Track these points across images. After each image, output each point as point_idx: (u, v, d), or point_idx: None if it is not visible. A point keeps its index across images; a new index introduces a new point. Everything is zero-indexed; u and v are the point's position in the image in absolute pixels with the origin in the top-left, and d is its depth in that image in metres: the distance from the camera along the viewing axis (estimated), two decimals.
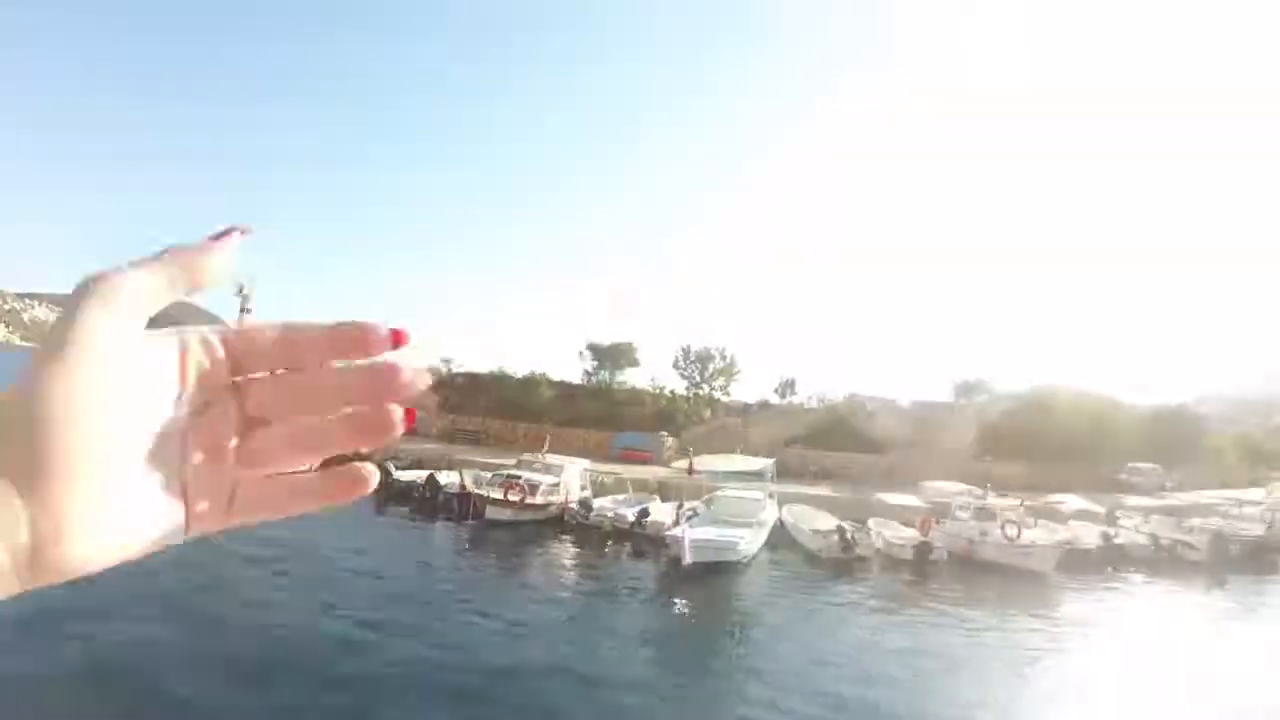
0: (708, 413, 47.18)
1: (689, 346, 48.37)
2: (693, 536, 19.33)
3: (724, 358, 48.21)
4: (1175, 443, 49.56)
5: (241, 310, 73.25)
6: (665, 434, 41.98)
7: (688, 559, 18.90)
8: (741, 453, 40.00)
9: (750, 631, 15.45)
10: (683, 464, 29.07)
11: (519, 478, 25.70)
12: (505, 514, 24.36)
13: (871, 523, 27.03)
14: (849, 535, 24.01)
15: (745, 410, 48.72)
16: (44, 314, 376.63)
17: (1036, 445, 44.11)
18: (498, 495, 24.73)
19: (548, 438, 32.73)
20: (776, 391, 46.04)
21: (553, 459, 28.37)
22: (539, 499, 25.21)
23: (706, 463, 26.78)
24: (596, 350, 51.34)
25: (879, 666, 13.63)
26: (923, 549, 24.97)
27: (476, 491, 25.23)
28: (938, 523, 26.93)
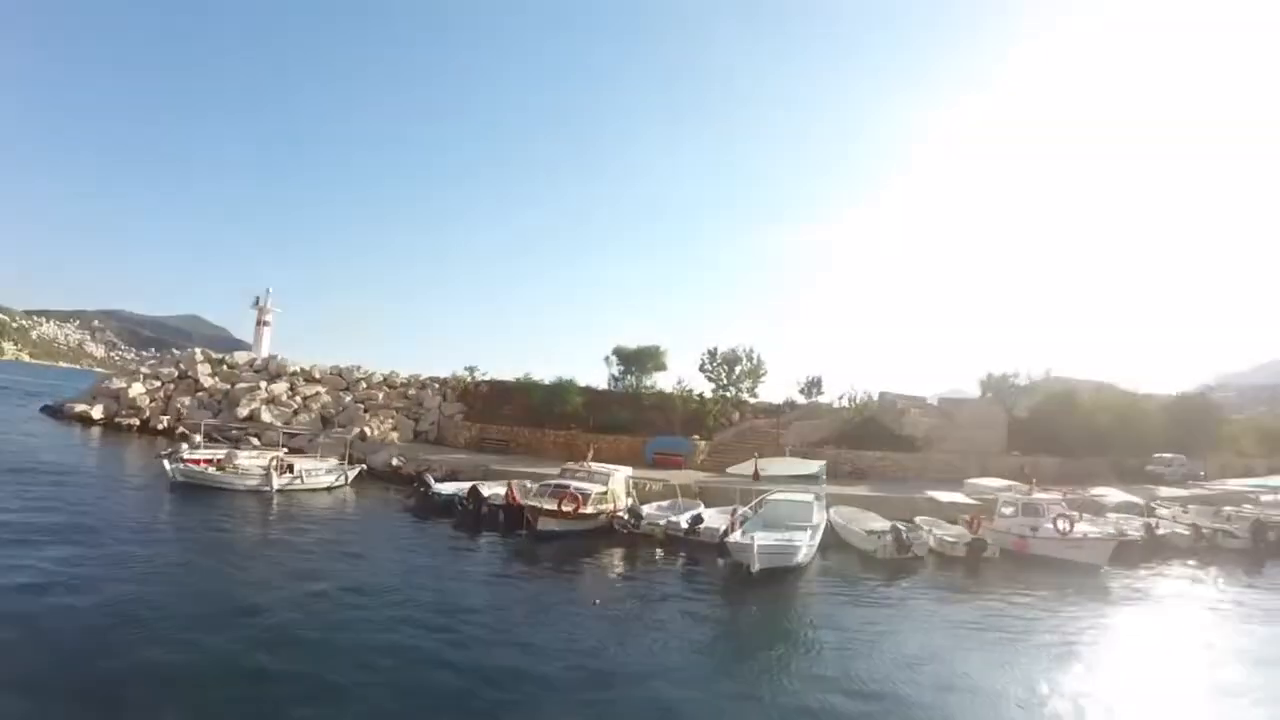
0: (736, 415, 46.97)
1: (715, 348, 47.92)
2: (761, 543, 19.02)
3: (750, 359, 47.70)
4: (1195, 432, 49.49)
5: (259, 323, 73.72)
6: (697, 437, 41.64)
7: (756, 566, 18.59)
8: (775, 454, 40.05)
9: (827, 636, 15.05)
10: (744, 468, 28.60)
11: (567, 487, 24.99)
12: (557, 525, 23.52)
13: (918, 521, 26.81)
14: (904, 535, 23.81)
15: (774, 411, 48.42)
16: (51, 331, 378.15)
17: (1063, 439, 43.98)
18: (551, 506, 23.86)
19: (591, 446, 32.20)
20: (802, 391, 45.66)
21: (597, 467, 27.75)
22: (589, 508, 24.53)
23: (765, 466, 26.34)
24: (623, 354, 50.75)
25: (963, 667, 13.42)
26: (976, 546, 24.78)
27: (529, 503, 24.29)
28: (986, 519, 26.79)
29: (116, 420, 52.12)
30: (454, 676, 11.45)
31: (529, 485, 26.91)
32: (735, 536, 21.10)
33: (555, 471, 28.40)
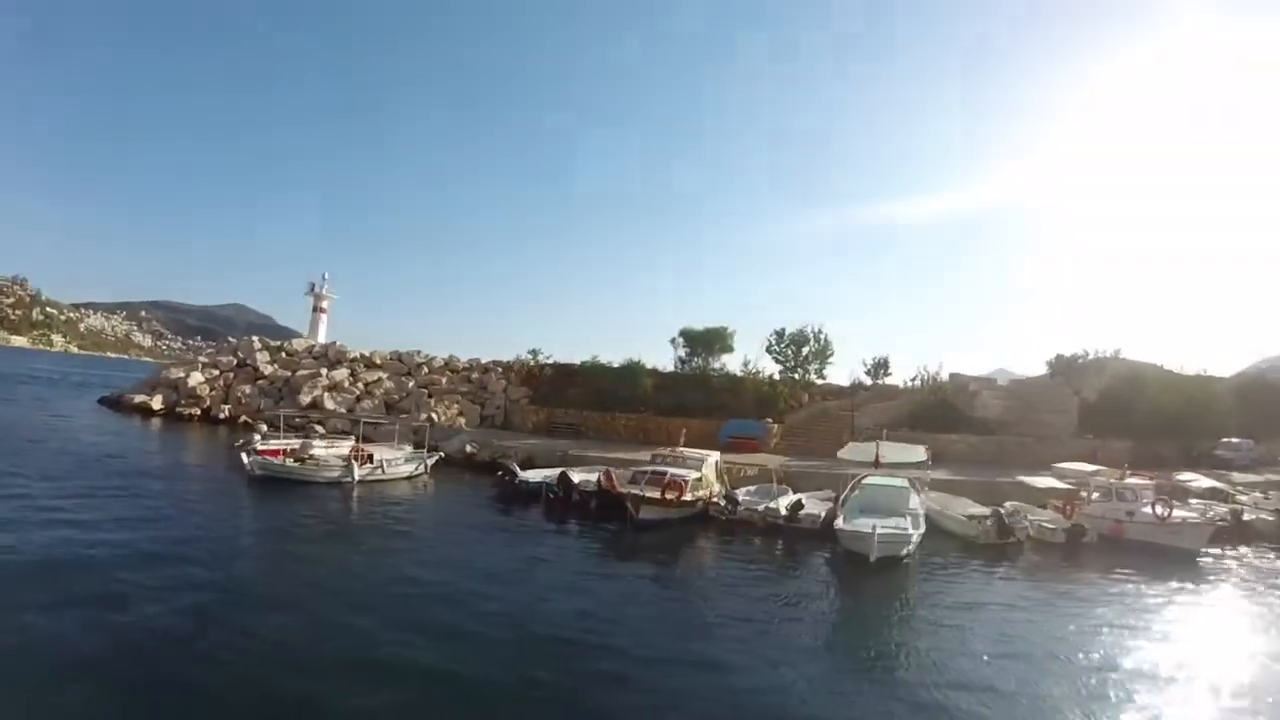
0: (805, 397, 46.61)
1: (783, 329, 47.40)
2: (882, 531, 18.85)
3: (818, 339, 47.18)
4: (1260, 414, 48.32)
5: (315, 309, 74.32)
6: (770, 420, 41.34)
7: (875, 555, 18.45)
8: (850, 437, 39.72)
9: (964, 624, 14.85)
10: (854, 452, 28.22)
11: (664, 474, 24.56)
12: (657, 514, 22.89)
13: (1009, 505, 26.53)
14: (1005, 520, 23.53)
15: (842, 393, 48.03)
16: (99, 323, 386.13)
17: (1132, 422, 43.20)
18: (653, 494, 23.24)
19: (684, 430, 31.97)
20: (868, 373, 45.16)
21: (690, 452, 27.22)
22: (688, 495, 24.07)
23: (884, 452, 26.05)
24: (690, 336, 50.23)
25: (1110, 652, 13.41)
26: (1075, 531, 24.54)
27: (631, 491, 23.64)
28: (1081, 503, 26.50)
29: (177, 410, 52.36)
30: (583, 671, 11.23)
31: (619, 472, 26.43)
32: (843, 523, 20.99)
33: (633, 456, 28.40)
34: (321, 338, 71.01)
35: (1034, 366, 53.43)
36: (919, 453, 26.46)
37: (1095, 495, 26.89)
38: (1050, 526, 24.85)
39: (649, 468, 25.82)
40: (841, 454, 28.79)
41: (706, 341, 49.42)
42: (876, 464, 25.67)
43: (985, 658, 12.67)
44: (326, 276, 75.64)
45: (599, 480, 25.65)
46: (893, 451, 25.91)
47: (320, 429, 39.84)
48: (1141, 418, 43.45)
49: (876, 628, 14.93)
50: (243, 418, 48.24)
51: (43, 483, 22.75)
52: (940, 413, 41.52)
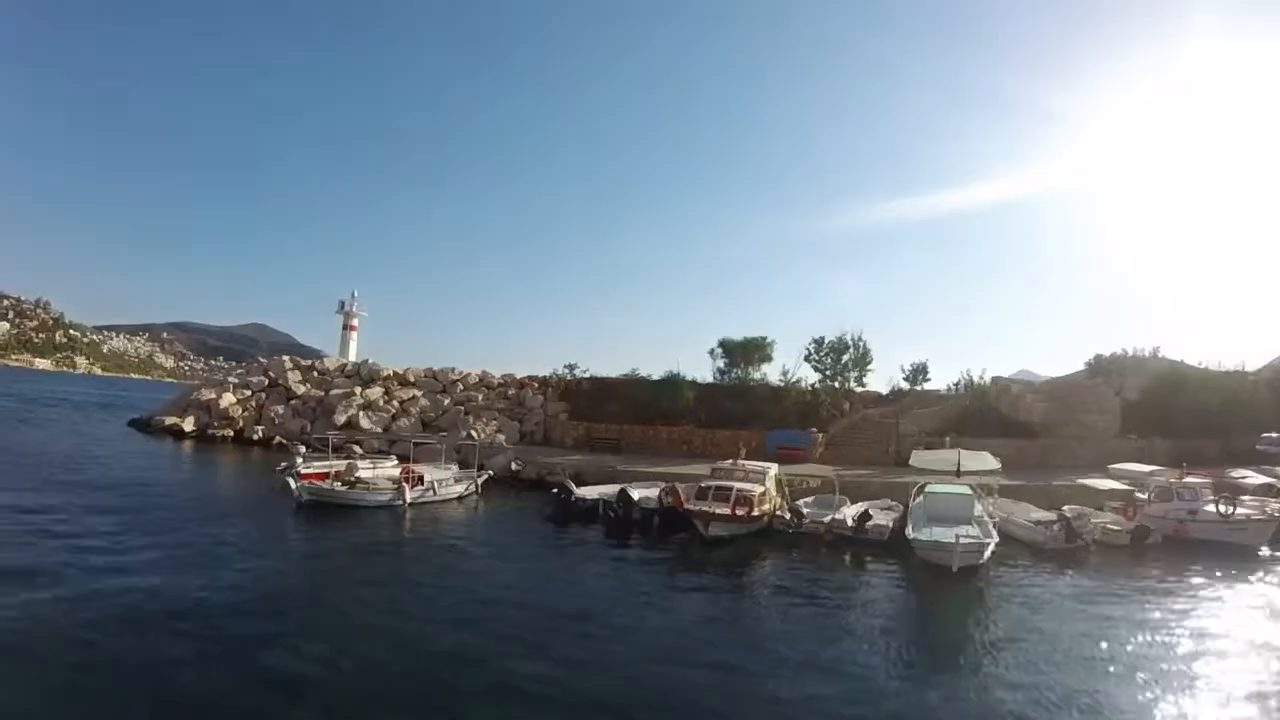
0: (846, 405, 46.49)
1: (822, 337, 47.22)
2: (965, 541, 18.86)
3: (857, 346, 46.98)
4: None
5: (345, 328, 74.62)
6: (815, 429, 41.26)
7: (957, 565, 18.48)
8: (895, 445, 39.65)
9: (1058, 629, 14.88)
10: (929, 459, 27.96)
11: (730, 488, 24.19)
12: (726, 530, 22.59)
13: (1069, 509, 26.45)
14: (1073, 524, 23.47)
15: (882, 400, 47.93)
16: (121, 344, 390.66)
17: (1173, 420, 42.93)
18: (723, 510, 22.95)
19: (743, 445, 31.50)
20: (907, 379, 45.02)
21: (752, 465, 26.91)
22: (755, 510, 23.79)
23: (966, 461, 25.90)
24: (728, 346, 49.98)
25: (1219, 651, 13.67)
26: (1139, 533, 24.53)
27: (700, 507, 23.27)
28: (1140, 506, 26.44)
29: (209, 432, 51.78)
30: (679, 695, 11.14)
31: (679, 487, 25.98)
32: (916, 533, 21.01)
33: (683, 470, 28.15)
34: (353, 356, 70.98)
35: (1057, 367, 53.13)
36: (991, 460, 26.33)
37: (1153, 496, 26.78)
38: (1115, 529, 24.84)
39: (713, 482, 25.31)
40: (913, 461, 28.55)
41: (745, 351, 49.24)
42: (958, 473, 25.49)
43: (1099, 662, 12.88)
44: (356, 294, 75.73)
45: (660, 496, 25.65)
46: (970, 459, 25.78)
47: (358, 449, 38.89)
48: (1182, 416, 43.19)
49: (980, 636, 14.97)
50: (277, 439, 47.70)
51: (89, 517, 22.01)
52: (984, 417, 41.23)
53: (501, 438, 45.48)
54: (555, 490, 28.24)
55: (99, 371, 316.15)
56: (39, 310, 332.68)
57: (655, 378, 49.73)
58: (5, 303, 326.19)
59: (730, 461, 27.91)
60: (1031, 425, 41.32)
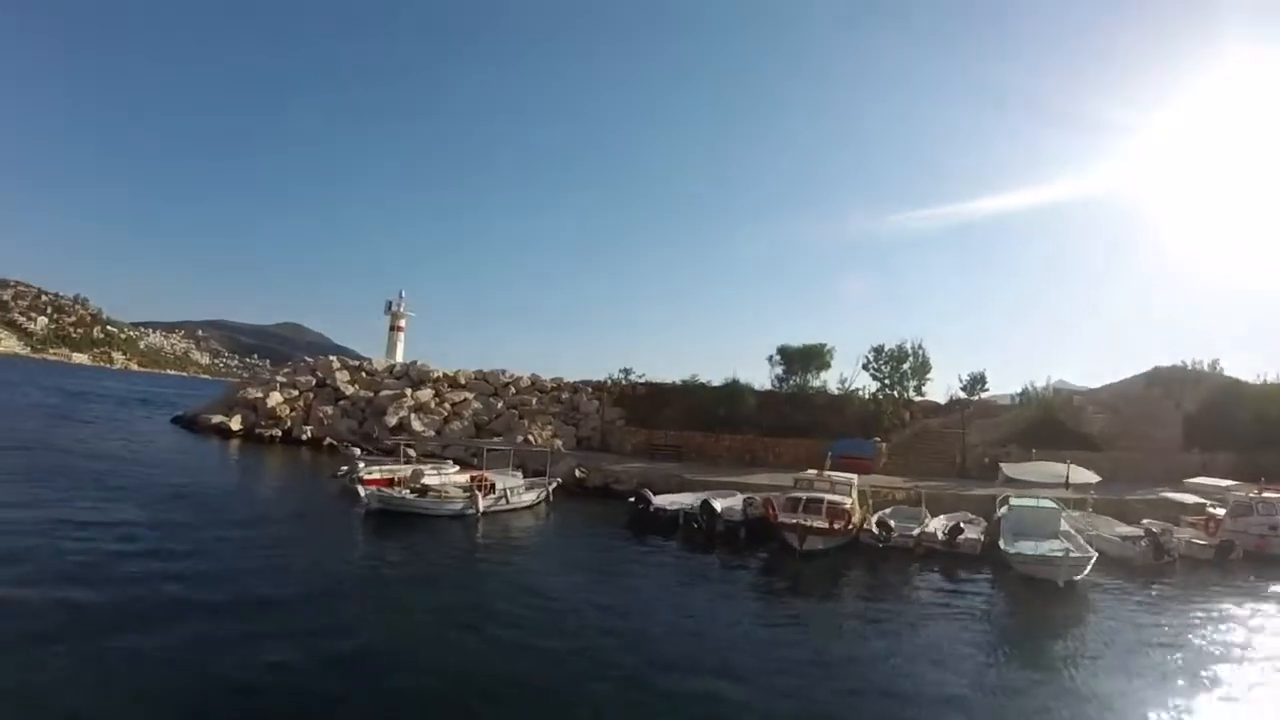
0: (906, 415, 46.49)
1: (882, 345, 46.79)
2: (1074, 555, 19.01)
3: (917, 355, 46.53)
4: None
5: (392, 329, 75.09)
6: (878, 439, 41.23)
7: (1063, 579, 18.62)
8: (961, 456, 39.62)
9: (1178, 644, 15.12)
10: (1031, 471, 28.00)
11: (821, 500, 24.17)
12: (822, 543, 22.31)
13: (1150, 524, 26.42)
14: (1160, 539, 23.49)
15: (942, 410, 47.84)
16: (158, 341, 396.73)
17: (1233, 433, 42.56)
18: (820, 523, 22.77)
19: (830, 457, 31.41)
20: (964, 389, 44.74)
21: (838, 477, 26.80)
22: (849, 523, 23.59)
23: (1078, 475, 25.93)
24: (787, 353, 49.76)
25: None
26: (1224, 548, 24.58)
27: (797, 520, 22.89)
28: (1220, 520, 26.40)
29: (257, 431, 51.07)
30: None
31: (757, 498, 26.31)
32: (1012, 547, 21.12)
33: (752, 480, 28.03)
34: (400, 357, 71.28)
35: (1094, 378, 52.60)
36: (1091, 473, 26.38)
37: (1232, 510, 26.71)
38: (1200, 543, 24.89)
39: (802, 494, 25.24)
40: (1009, 472, 28.59)
41: (804, 359, 49.07)
42: (1067, 485, 25.55)
43: (1224, 680, 13.00)
44: (403, 294, 75.79)
45: (744, 508, 25.59)
46: (1076, 472, 25.81)
47: (411, 451, 37.55)
48: (1242, 428, 42.84)
49: (1106, 653, 14.87)
50: (327, 440, 46.69)
51: (155, 528, 20.38)
52: (1049, 429, 41.00)
53: (558, 443, 44.72)
54: (632, 500, 27.76)
55: (135, 367, 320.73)
56: (77, 306, 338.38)
57: (714, 384, 49.53)
58: (44, 299, 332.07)
59: (814, 472, 27.88)
60: (1093, 438, 41.11)
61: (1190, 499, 27.94)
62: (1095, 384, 54.55)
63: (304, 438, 49.81)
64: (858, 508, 25.65)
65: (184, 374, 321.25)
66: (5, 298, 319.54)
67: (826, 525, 22.78)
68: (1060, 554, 19.09)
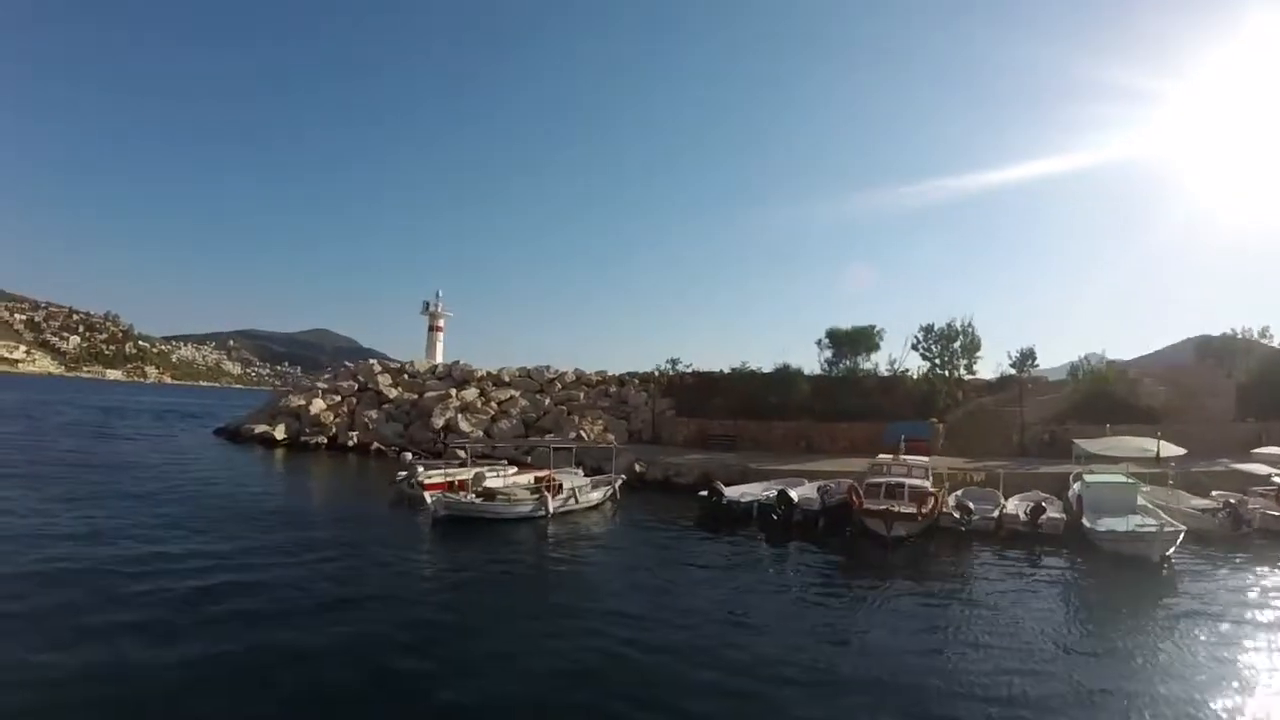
0: (959, 394, 46.39)
1: (931, 324, 46.58)
2: (1167, 531, 19.12)
3: (967, 333, 46.27)
4: None
5: (431, 329, 75.51)
6: (934, 420, 41.19)
7: (1158, 555, 18.76)
8: (1020, 434, 39.56)
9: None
10: (1119, 446, 27.81)
11: (902, 485, 24.11)
12: (905, 530, 21.93)
13: (1221, 496, 26.44)
14: (1238, 511, 23.55)
15: (990, 388, 47.66)
16: (190, 353, 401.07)
17: None
18: (908, 509, 22.59)
19: (903, 439, 30.90)
20: (1013, 365, 44.42)
21: (914, 460, 26.80)
22: (933, 508, 23.42)
23: (1167, 449, 25.89)
24: (835, 336, 49.43)
25: None
26: None
27: (884, 507, 22.71)
28: None
29: (302, 439, 50.98)
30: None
31: (832, 485, 26.25)
32: (1097, 524, 21.26)
33: (815, 467, 28.30)
34: (439, 357, 71.81)
35: (1125, 350, 52.01)
36: (1176, 447, 26.37)
37: None
38: (1275, 514, 24.82)
39: (880, 479, 25.15)
40: (1089, 448, 28.45)
41: (853, 341, 48.79)
42: (1158, 459, 25.57)
43: None
44: (440, 294, 76.22)
45: (820, 496, 25.48)
46: (1165, 447, 25.81)
47: (461, 453, 36.21)
48: None
49: (1219, 624, 14.83)
50: (374, 445, 46.91)
51: (218, 544, 19.58)
52: (1104, 404, 40.81)
53: (610, 438, 44.59)
54: (704, 493, 27.11)
55: (169, 380, 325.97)
56: (108, 323, 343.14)
57: (765, 370, 49.43)
58: (75, 318, 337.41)
59: (891, 456, 27.86)
60: (1153, 411, 40.85)
61: (1261, 469, 27.82)
62: (1128, 356, 54.58)
63: (349, 444, 49.72)
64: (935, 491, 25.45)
65: (217, 385, 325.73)
66: (38, 319, 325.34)
67: (914, 510, 22.66)
68: (1154, 529, 19.15)
